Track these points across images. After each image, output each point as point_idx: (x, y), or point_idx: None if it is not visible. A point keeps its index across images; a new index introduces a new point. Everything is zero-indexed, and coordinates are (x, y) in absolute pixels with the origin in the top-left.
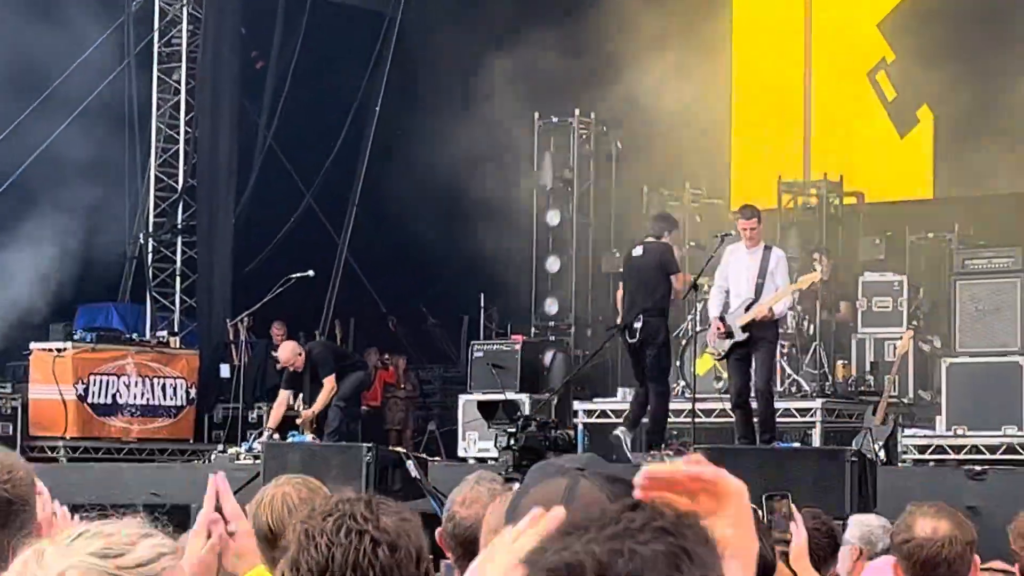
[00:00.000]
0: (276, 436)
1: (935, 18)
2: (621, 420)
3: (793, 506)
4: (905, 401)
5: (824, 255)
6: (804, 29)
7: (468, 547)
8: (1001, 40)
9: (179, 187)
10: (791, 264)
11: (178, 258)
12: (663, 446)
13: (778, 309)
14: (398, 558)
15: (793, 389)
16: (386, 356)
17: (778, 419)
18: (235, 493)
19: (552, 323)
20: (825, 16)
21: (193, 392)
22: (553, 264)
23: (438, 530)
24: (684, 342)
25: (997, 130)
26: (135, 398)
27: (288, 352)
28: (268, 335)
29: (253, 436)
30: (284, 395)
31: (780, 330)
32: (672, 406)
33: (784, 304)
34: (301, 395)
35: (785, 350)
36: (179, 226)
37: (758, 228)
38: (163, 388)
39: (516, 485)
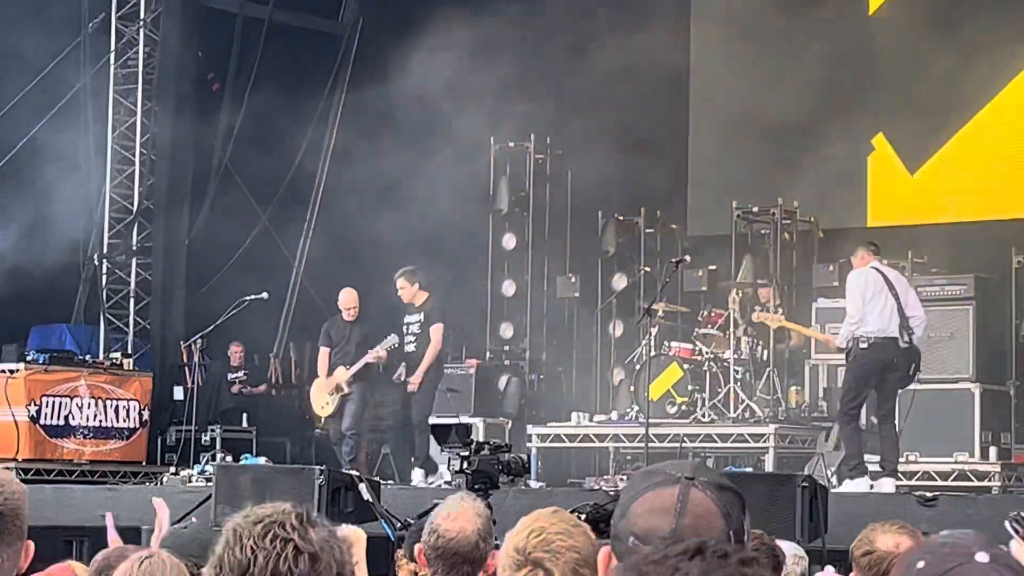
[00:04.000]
0: (229, 458)
1: (890, 45)
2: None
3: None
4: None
5: (773, 283)
6: (761, 55)
7: (449, 560)
8: (956, 70)
9: (134, 208)
10: (744, 292)
11: (132, 279)
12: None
13: (838, 341)
14: (318, 569)
15: (746, 415)
16: None
17: (731, 444)
18: (186, 515)
19: (507, 347)
20: (782, 42)
21: (146, 414)
22: (508, 288)
23: (418, 545)
24: (639, 367)
25: (950, 159)
26: (88, 420)
27: (353, 296)
28: (222, 356)
29: (206, 459)
30: (324, 352)
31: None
32: (625, 431)
33: (840, 334)
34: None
35: (739, 375)
36: (134, 247)
37: (853, 262)
38: (116, 410)
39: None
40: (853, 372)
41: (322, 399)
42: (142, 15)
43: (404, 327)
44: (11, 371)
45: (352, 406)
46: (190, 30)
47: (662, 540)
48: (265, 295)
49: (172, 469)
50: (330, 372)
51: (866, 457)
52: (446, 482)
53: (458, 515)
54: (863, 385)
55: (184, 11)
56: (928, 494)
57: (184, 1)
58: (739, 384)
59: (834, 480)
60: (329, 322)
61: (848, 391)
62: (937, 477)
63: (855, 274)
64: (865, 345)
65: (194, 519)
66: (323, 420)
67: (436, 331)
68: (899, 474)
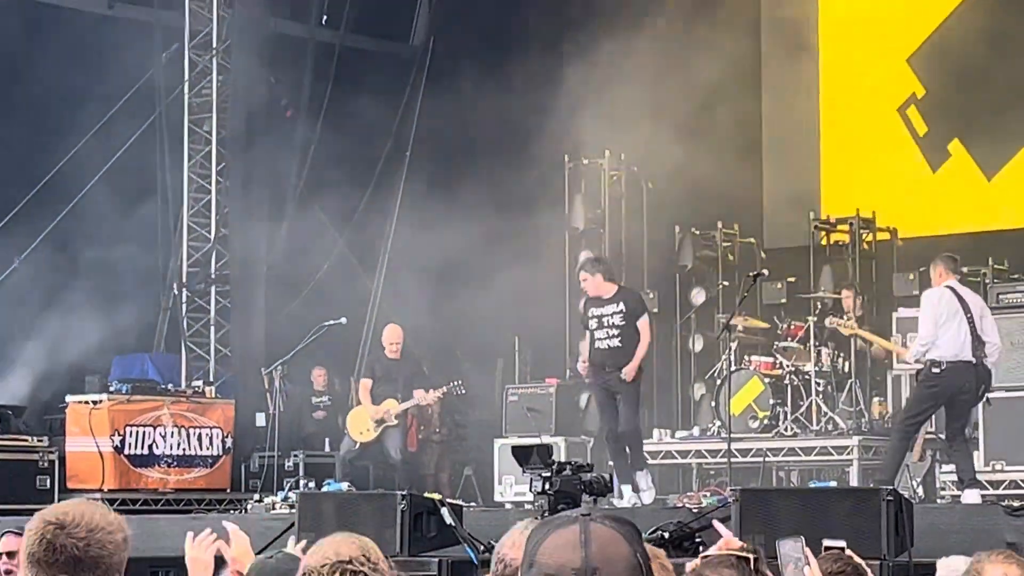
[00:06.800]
0: (312, 484)
1: (964, 52)
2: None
3: (807, 550)
4: (942, 437)
5: (854, 293)
6: (834, 65)
7: None
8: None
9: (212, 237)
10: (824, 303)
11: (212, 308)
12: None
13: (907, 355)
14: None
15: (829, 427)
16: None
17: (814, 457)
18: (271, 543)
19: None
20: (855, 52)
21: (229, 441)
22: None
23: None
24: (719, 381)
25: None
26: (171, 448)
27: (398, 333)
28: (303, 383)
29: (289, 485)
30: (367, 383)
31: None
32: (708, 446)
33: (911, 351)
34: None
35: (821, 388)
36: (212, 276)
37: (932, 277)
38: (199, 438)
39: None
40: (921, 392)
41: (364, 424)
42: (214, 44)
43: (595, 319)
44: (94, 402)
45: (397, 435)
46: (262, 57)
47: (574, 571)
48: (344, 320)
49: (256, 496)
50: (375, 402)
51: (944, 468)
52: (529, 502)
53: (522, 544)
54: (929, 407)
55: (256, 39)
56: (1015, 503)
57: (256, 29)
58: (821, 397)
59: (920, 491)
60: (374, 355)
61: (911, 407)
62: None
63: (930, 294)
64: (938, 370)
65: (287, 548)
66: (356, 443)
67: (644, 325)
68: (984, 483)
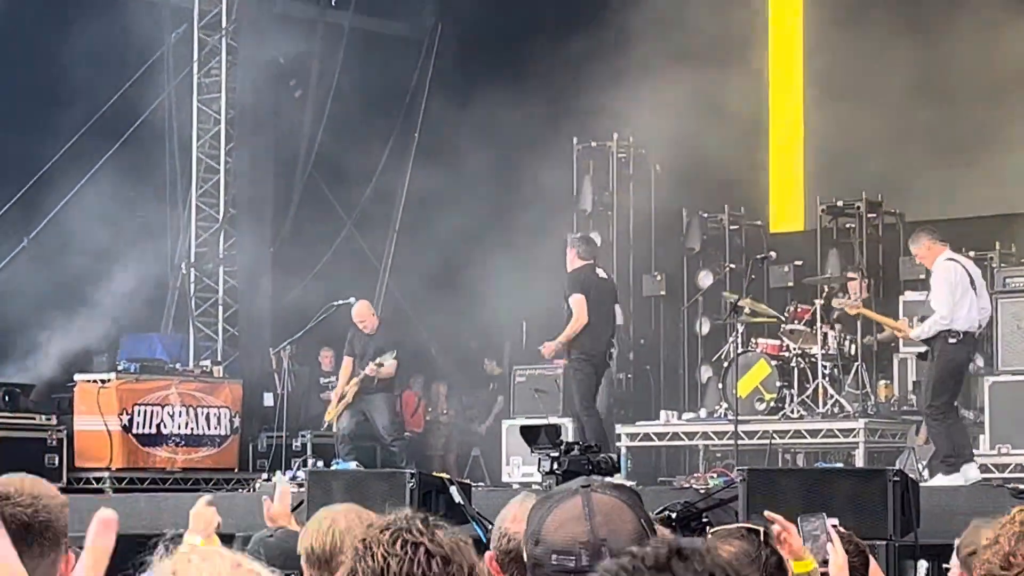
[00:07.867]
0: (320, 463)
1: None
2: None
3: (829, 525)
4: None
5: (861, 276)
6: (840, 50)
7: (521, 562)
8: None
9: (220, 217)
10: (831, 286)
11: (220, 288)
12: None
13: (915, 333)
14: (451, 571)
15: (836, 410)
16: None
17: (820, 440)
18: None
19: None
20: (863, 35)
21: (237, 421)
22: None
23: (488, 553)
24: (726, 364)
25: None
26: (179, 428)
27: (365, 309)
28: (310, 364)
29: (297, 464)
30: (348, 361)
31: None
32: (715, 428)
33: (923, 328)
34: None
35: (827, 371)
36: (221, 256)
37: (918, 254)
38: (207, 417)
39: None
40: (945, 369)
41: (332, 404)
42: (224, 24)
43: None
44: (103, 381)
45: (381, 417)
46: (271, 38)
47: (582, 544)
48: (352, 300)
49: (264, 475)
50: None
51: None
52: (537, 483)
53: (523, 517)
54: (956, 382)
55: (265, 19)
56: (1021, 486)
57: (265, 9)
58: (827, 379)
59: (925, 474)
60: (352, 332)
61: (939, 389)
62: None
63: (943, 270)
64: (954, 341)
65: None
66: (325, 423)
67: (574, 303)
68: (985, 465)
